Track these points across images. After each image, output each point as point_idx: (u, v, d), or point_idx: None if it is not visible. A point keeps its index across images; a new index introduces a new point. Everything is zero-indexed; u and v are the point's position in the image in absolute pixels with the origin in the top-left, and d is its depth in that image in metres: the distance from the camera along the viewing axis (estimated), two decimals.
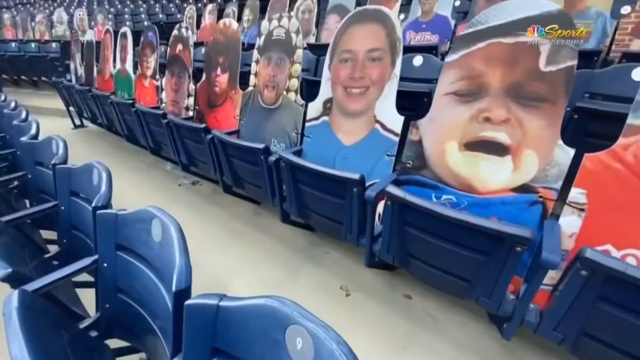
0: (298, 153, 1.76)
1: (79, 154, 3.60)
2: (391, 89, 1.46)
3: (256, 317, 0.60)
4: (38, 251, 1.38)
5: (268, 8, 4.67)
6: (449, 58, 1.29)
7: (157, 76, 2.93)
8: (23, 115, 2.09)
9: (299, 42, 1.80)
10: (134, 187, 2.77)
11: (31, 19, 6.83)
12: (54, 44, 5.70)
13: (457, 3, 3.28)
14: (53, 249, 1.44)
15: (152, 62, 2.98)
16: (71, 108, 4.38)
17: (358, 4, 4.04)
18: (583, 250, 0.86)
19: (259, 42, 2.02)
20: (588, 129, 1.48)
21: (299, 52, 1.79)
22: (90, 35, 3.95)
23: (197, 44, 4.93)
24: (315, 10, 4.11)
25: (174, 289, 0.73)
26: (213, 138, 1.93)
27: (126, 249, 0.96)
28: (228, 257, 1.85)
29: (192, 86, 2.53)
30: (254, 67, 2.07)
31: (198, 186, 2.75)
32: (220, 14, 5.43)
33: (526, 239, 0.92)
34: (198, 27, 5.66)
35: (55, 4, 9.92)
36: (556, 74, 1.08)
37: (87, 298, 1.16)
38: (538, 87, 1.11)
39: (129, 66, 3.30)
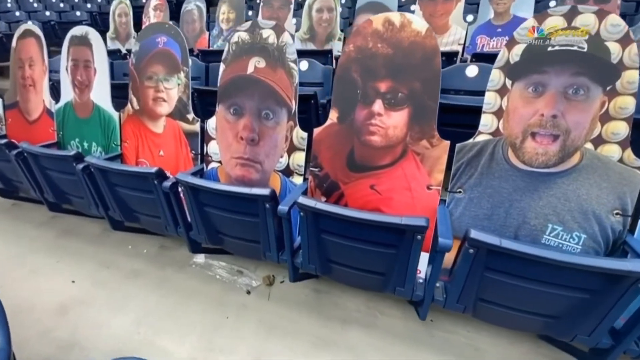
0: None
1: None
2: None
3: None
4: None
5: (261, 4, 3.53)
6: None
7: (190, 115, 1.64)
8: None
9: (631, 57, 0.99)
10: (173, 314, 1.44)
11: None
12: None
13: (552, 3, 2.85)
14: None
15: (171, 88, 1.67)
16: None
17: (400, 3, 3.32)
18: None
19: (506, 55, 1.12)
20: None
21: (631, 76, 0.99)
22: None
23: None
24: (339, 9, 3.21)
25: None
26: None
27: None
28: None
29: (302, 134, 1.41)
30: (491, 100, 1.15)
31: (284, 288, 1.55)
32: (176, 10, 3.94)
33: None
34: (138, 27, 4.02)
35: None
36: None
37: None
38: None
39: (97, 96, 1.86)
